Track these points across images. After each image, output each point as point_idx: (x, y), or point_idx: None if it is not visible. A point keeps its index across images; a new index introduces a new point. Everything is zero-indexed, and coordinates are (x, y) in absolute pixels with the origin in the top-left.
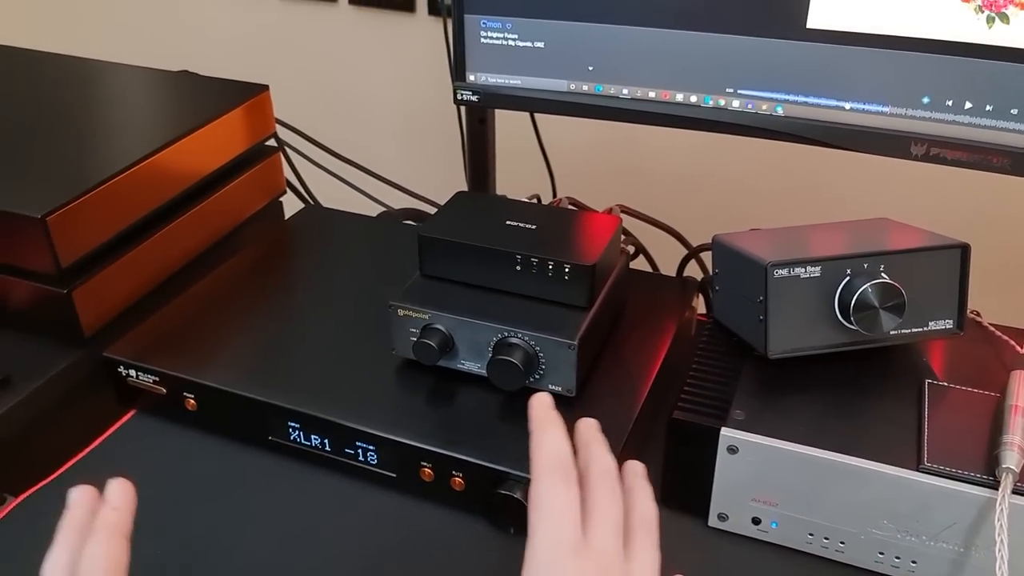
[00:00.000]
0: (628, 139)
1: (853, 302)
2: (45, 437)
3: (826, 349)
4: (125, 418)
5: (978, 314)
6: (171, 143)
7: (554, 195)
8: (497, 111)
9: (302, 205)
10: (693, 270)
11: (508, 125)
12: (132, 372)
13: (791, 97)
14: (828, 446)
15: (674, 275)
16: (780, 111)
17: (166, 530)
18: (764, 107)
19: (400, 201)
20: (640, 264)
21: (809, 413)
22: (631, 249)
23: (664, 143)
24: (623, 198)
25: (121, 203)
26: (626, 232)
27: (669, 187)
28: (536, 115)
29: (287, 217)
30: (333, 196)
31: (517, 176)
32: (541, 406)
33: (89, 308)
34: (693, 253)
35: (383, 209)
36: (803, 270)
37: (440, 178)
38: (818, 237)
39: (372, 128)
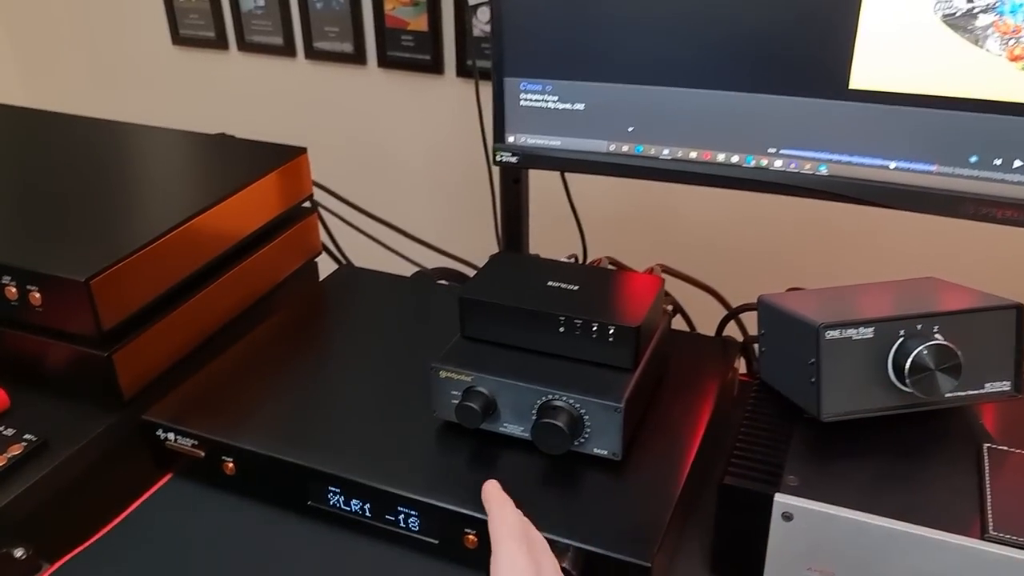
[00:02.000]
0: (660, 197)
1: (908, 364)
2: (82, 501)
3: (880, 412)
4: (162, 482)
5: None
6: (210, 207)
7: (584, 254)
8: (531, 171)
9: (335, 266)
10: (731, 330)
11: (538, 185)
12: (170, 435)
13: (835, 157)
14: (887, 513)
15: (713, 334)
16: (824, 171)
17: None
18: (807, 167)
19: (432, 261)
20: (678, 324)
21: (864, 478)
22: (671, 308)
23: (698, 202)
24: (658, 257)
25: (161, 266)
26: (665, 292)
27: (702, 246)
28: (568, 175)
29: (321, 278)
30: (366, 256)
31: (547, 236)
32: (494, 488)
33: (129, 371)
34: (733, 314)
35: (416, 269)
36: (855, 331)
37: (472, 238)
38: (866, 298)
39: (403, 188)
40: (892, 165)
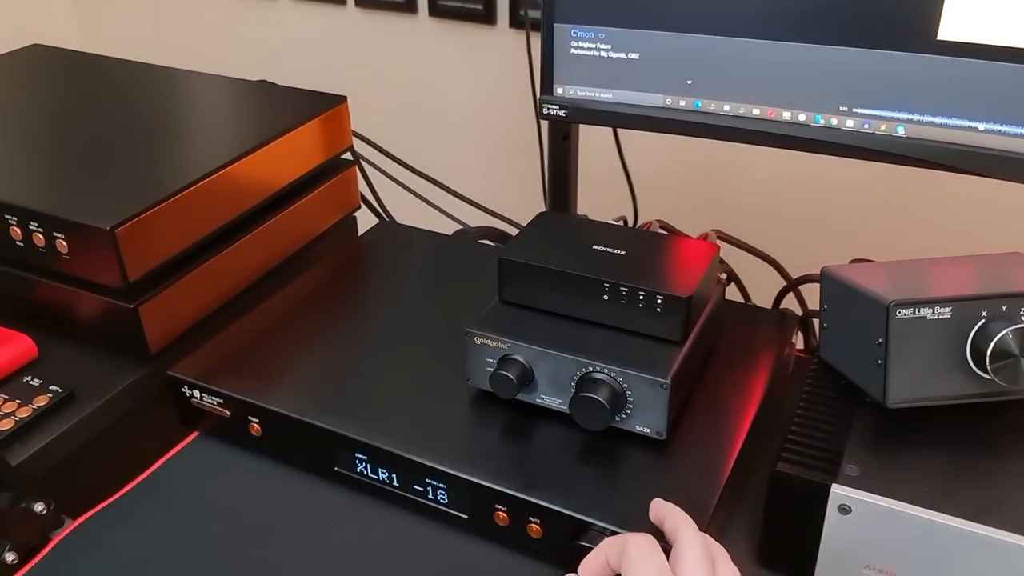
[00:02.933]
0: (718, 157)
1: (990, 349)
2: (106, 456)
3: (954, 400)
4: (188, 439)
5: None
6: (245, 155)
7: (635, 217)
8: (581, 127)
9: (375, 221)
10: (789, 303)
11: (588, 143)
12: (196, 393)
13: (915, 116)
14: (958, 512)
15: (770, 307)
16: (901, 132)
17: (223, 559)
18: (883, 127)
19: (476, 219)
20: (732, 294)
21: (933, 472)
22: (725, 278)
23: (758, 165)
24: (714, 223)
25: (192, 216)
26: (721, 260)
27: (761, 213)
28: (620, 132)
29: (360, 233)
30: (407, 212)
31: (596, 197)
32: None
33: (156, 324)
34: (792, 285)
35: (459, 227)
36: (930, 311)
37: (518, 196)
38: (943, 273)
39: (449, 143)
40: (981, 127)
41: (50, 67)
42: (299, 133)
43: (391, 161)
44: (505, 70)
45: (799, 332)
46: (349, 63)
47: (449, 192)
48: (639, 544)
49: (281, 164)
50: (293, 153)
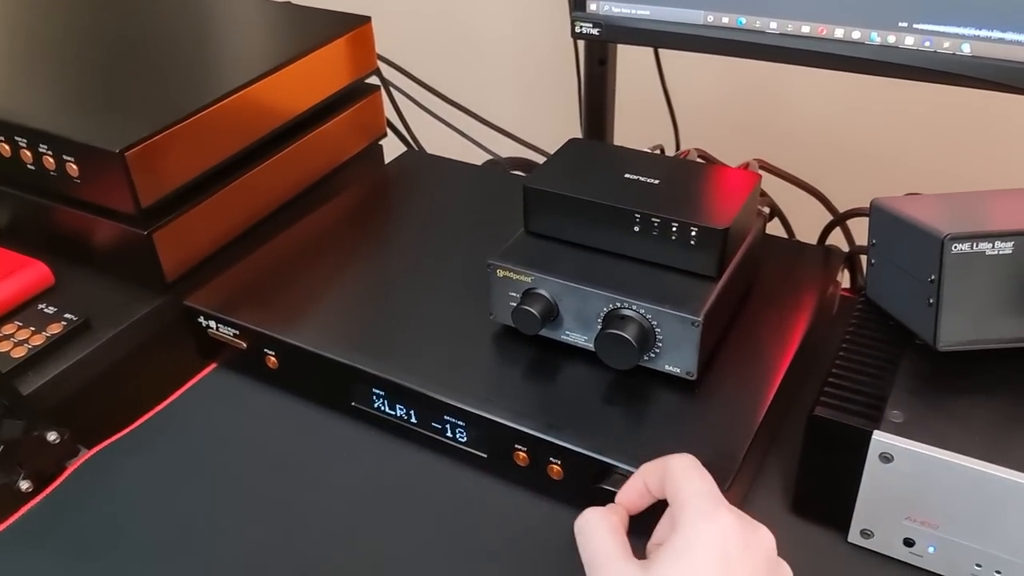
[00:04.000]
0: (763, 87)
1: None
2: (122, 386)
3: (1012, 344)
4: (206, 371)
5: None
6: (263, 76)
7: (677, 148)
8: (619, 52)
9: (403, 149)
10: (836, 239)
11: (629, 70)
12: (213, 324)
13: (982, 32)
14: (1010, 463)
15: (814, 243)
16: (966, 50)
17: (238, 492)
18: (946, 45)
19: (509, 149)
20: (774, 228)
21: (984, 421)
22: (766, 211)
23: (806, 92)
24: (759, 153)
25: (208, 140)
26: (762, 192)
27: (808, 144)
28: (662, 54)
29: (387, 162)
30: (437, 141)
31: (637, 128)
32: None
33: (171, 252)
34: (839, 220)
35: (490, 157)
36: (989, 245)
37: (554, 126)
38: (1004, 206)
39: (482, 70)
40: None
41: None
42: (321, 54)
43: (421, 88)
44: None
45: (845, 270)
46: None
47: (481, 121)
48: (683, 466)
49: (302, 87)
50: (314, 75)
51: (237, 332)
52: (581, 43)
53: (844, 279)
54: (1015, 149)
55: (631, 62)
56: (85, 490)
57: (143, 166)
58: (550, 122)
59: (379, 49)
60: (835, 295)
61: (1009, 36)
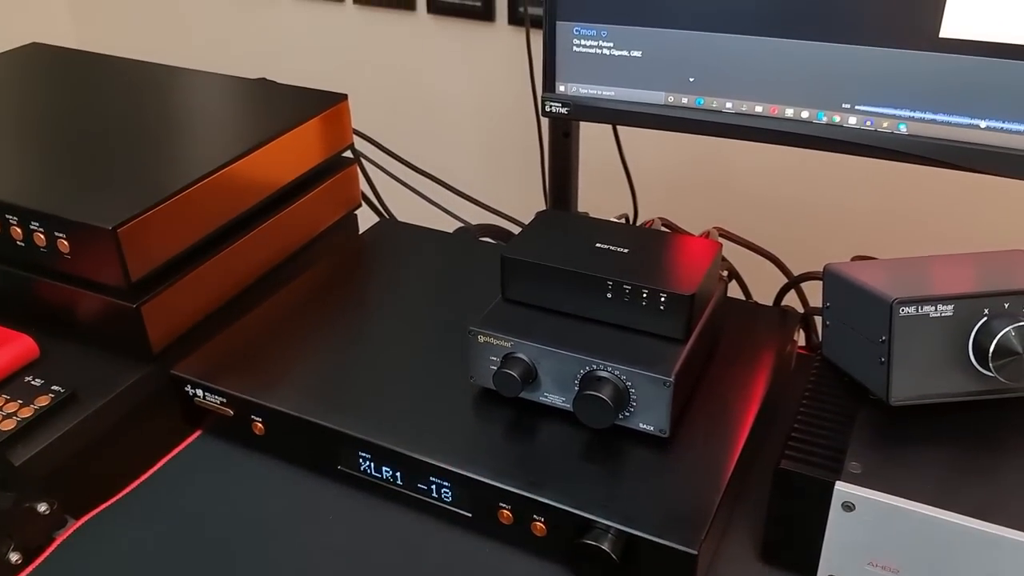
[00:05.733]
0: (718, 158)
1: (992, 346)
2: (109, 455)
3: (957, 398)
4: (191, 438)
5: None
6: (246, 154)
7: (635, 214)
8: (581, 125)
9: (376, 219)
10: (791, 300)
11: (588, 140)
12: (199, 392)
13: (917, 114)
14: (963, 509)
15: (771, 304)
16: (903, 129)
17: (228, 559)
18: (885, 124)
19: (477, 216)
20: (733, 291)
21: (937, 470)
22: (727, 275)
23: (760, 162)
24: (715, 220)
25: (194, 215)
26: (722, 258)
27: (763, 210)
28: (620, 130)
29: (361, 231)
30: (409, 210)
31: (597, 194)
32: None
33: (158, 323)
34: (794, 283)
35: (460, 224)
36: (933, 308)
37: (518, 194)
38: (945, 271)
39: (449, 141)
40: (983, 124)
41: (49, 66)
42: (300, 132)
43: (391, 159)
44: (504, 67)
45: (801, 329)
46: (348, 60)
47: (450, 189)
48: None
49: (282, 163)
50: (294, 152)
51: (224, 400)
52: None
53: (801, 338)
54: (954, 215)
55: (592, 132)
56: (74, 560)
57: (134, 242)
58: (515, 190)
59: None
60: (792, 353)
61: (940, 117)
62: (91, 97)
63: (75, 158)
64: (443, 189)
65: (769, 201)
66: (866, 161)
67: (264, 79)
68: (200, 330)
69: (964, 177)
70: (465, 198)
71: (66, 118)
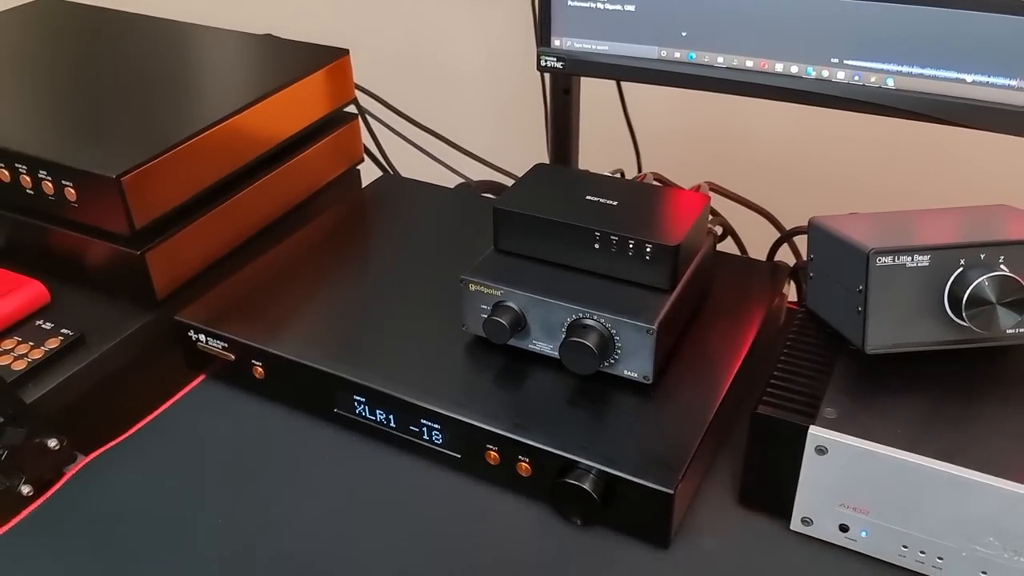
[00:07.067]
0: (722, 114)
1: (966, 296)
2: (117, 397)
3: (932, 347)
4: (195, 382)
5: None
6: (249, 106)
7: (639, 171)
8: (584, 81)
9: (380, 174)
10: (785, 255)
11: (595, 97)
12: (202, 337)
13: (904, 68)
14: (931, 453)
15: (764, 259)
16: (891, 84)
17: (227, 497)
18: (873, 79)
19: (480, 173)
20: (728, 247)
21: (910, 416)
22: (719, 230)
23: (761, 119)
24: (714, 176)
25: (197, 165)
26: (714, 212)
27: (763, 166)
28: (624, 86)
29: (364, 186)
30: (412, 166)
31: (602, 151)
32: None
33: (163, 270)
34: (786, 236)
35: (462, 181)
36: (909, 259)
37: (523, 151)
38: (927, 223)
39: (455, 98)
40: (969, 78)
41: (60, 20)
42: (302, 85)
43: (396, 116)
44: (512, 24)
45: (792, 283)
46: (355, 17)
47: (453, 146)
48: None
49: (284, 116)
50: (296, 105)
51: (225, 345)
52: (548, 74)
53: (792, 292)
54: (948, 171)
55: (598, 91)
56: (82, 494)
57: (137, 190)
58: (519, 148)
59: (357, 79)
60: (781, 307)
61: (927, 72)
62: (101, 51)
63: (84, 110)
64: (447, 146)
65: (770, 159)
66: (867, 119)
67: (270, 35)
68: (204, 278)
69: (961, 133)
70: (468, 155)
71: (76, 71)
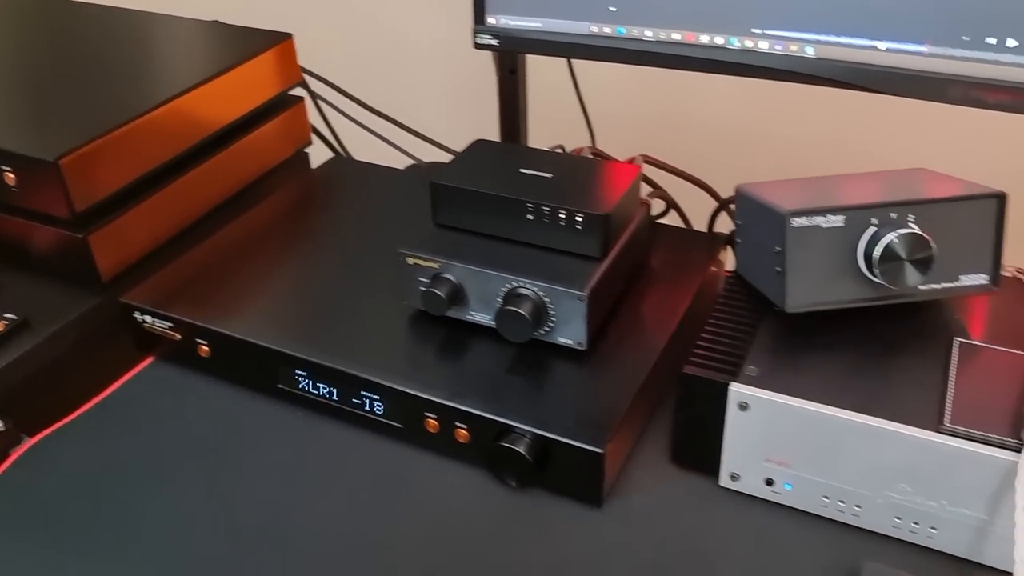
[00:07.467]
0: (677, 90)
1: (878, 253)
2: (63, 380)
3: (848, 304)
4: (143, 364)
5: None
6: (192, 89)
7: (593, 145)
8: (545, 63)
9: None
10: (727, 225)
11: (551, 73)
12: (148, 318)
13: (823, 37)
14: (846, 405)
15: (706, 230)
16: (811, 52)
17: (174, 475)
18: (794, 48)
19: (434, 155)
20: (674, 221)
21: (829, 371)
22: (651, 201)
23: (711, 94)
24: (666, 151)
25: (139, 148)
26: (656, 185)
27: (716, 140)
28: (578, 66)
29: (314, 168)
30: (367, 150)
31: (557, 128)
32: None
33: (107, 253)
34: (723, 205)
35: (413, 162)
36: (824, 219)
37: (478, 132)
38: (847, 187)
39: (412, 81)
40: (883, 46)
41: (2, 5)
42: (245, 68)
43: (351, 101)
44: (465, 5)
45: (730, 250)
46: (309, 3)
47: (405, 129)
48: None
49: (229, 98)
50: (240, 88)
51: (171, 324)
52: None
53: (731, 261)
54: (883, 139)
55: (554, 66)
56: (28, 475)
57: (77, 173)
58: (473, 129)
59: (310, 63)
60: (718, 275)
61: (844, 40)
62: (44, 36)
63: (25, 95)
64: (401, 130)
65: (718, 131)
66: (816, 89)
67: (217, 21)
68: (152, 260)
69: (897, 101)
70: (420, 136)
71: (18, 57)
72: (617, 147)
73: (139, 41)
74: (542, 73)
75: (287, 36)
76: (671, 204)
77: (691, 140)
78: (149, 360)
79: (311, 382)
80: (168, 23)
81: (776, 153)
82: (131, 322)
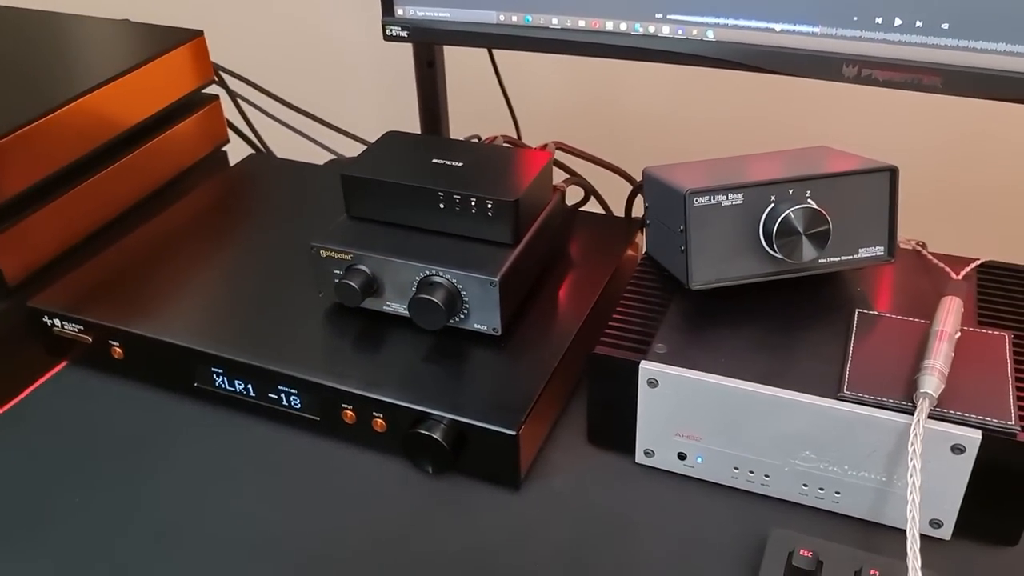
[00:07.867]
0: (599, 77)
1: (775, 228)
2: None
3: (751, 279)
4: (56, 369)
5: (924, 245)
6: (99, 87)
7: (518, 136)
8: (462, 52)
9: None
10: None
11: (474, 65)
12: (57, 322)
13: (721, 20)
14: (750, 377)
15: (623, 215)
16: (711, 36)
17: (88, 480)
18: (695, 32)
19: (357, 151)
20: (592, 207)
21: (735, 346)
22: (566, 187)
23: (635, 81)
24: (591, 139)
25: (45, 148)
26: (573, 172)
27: (641, 126)
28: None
29: (232, 166)
30: (290, 147)
31: (482, 120)
32: None
33: (14, 256)
34: (637, 189)
35: (333, 158)
36: (724, 198)
37: (399, 126)
38: (750, 166)
39: (332, 77)
40: (778, 27)
41: None
42: (155, 66)
43: (273, 101)
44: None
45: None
46: (224, 1)
47: (325, 124)
48: None
49: (139, 96)
50: (151, 86)
51: (81, 327)
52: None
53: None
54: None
55: (476, 63)
56: None
57: None
58: (396, 123)
59: (229, 62)
60: (634, 258)
61: (741, 23)
62: None
63: None
64: (325, 125)
65: (645, 119)
66: (729, 73)
67: (127, 20)
68: (63, 263)
69: (805, 81)
70: (339, 131)
71: None
72: (542, 137)
73: (45, 41)
74: (467, 64)
75: (198, 33)
76: (589, 191)
77: (617, 127)
78: (62, 365)
79: (227, 379)
80: (76, 22)
81: (700, 136)
82: (41, 327)
